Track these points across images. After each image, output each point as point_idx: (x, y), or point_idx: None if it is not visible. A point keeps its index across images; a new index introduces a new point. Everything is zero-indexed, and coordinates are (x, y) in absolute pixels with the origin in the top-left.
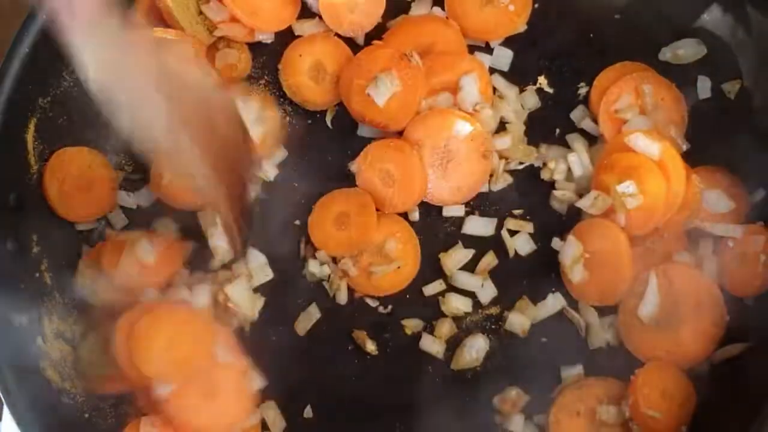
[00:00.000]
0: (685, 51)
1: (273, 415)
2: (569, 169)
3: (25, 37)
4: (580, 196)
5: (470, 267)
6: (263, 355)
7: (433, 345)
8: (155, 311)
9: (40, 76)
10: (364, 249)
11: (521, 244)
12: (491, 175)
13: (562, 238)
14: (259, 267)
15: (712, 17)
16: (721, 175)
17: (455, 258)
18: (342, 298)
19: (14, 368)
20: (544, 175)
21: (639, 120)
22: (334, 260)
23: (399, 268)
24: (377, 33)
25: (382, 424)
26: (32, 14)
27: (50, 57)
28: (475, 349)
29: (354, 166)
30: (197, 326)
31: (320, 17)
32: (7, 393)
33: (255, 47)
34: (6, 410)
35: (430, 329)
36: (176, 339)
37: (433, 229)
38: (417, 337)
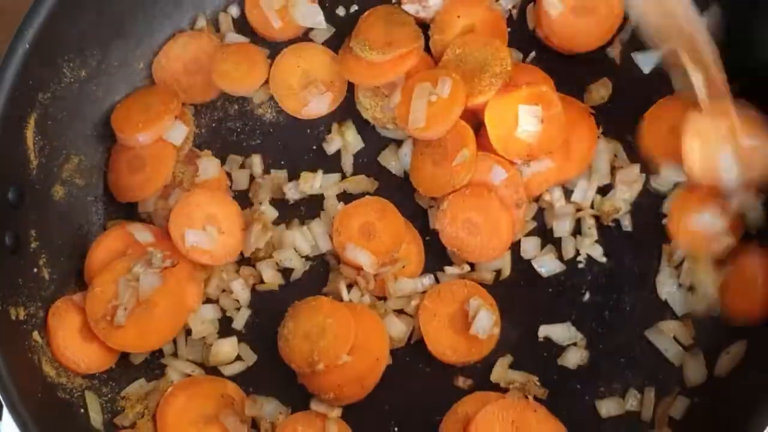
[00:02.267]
0: None
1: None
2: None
3: (25, 33)
4: None
5: None
6: (263, 353)
7: None
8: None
9: (41, 72)
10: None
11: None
12: None
13: None
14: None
15: (712, 18)
16: None
17: None
18: (343, 297)
19: (11, 363)
20: None
21: None
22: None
23: (404, 267)
24: None
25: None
26: (33, 11)
27: (50, 53)
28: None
29: (437, 224)
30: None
31: None
32: (5, 387)
33: None
34: (6, 410)
35: None
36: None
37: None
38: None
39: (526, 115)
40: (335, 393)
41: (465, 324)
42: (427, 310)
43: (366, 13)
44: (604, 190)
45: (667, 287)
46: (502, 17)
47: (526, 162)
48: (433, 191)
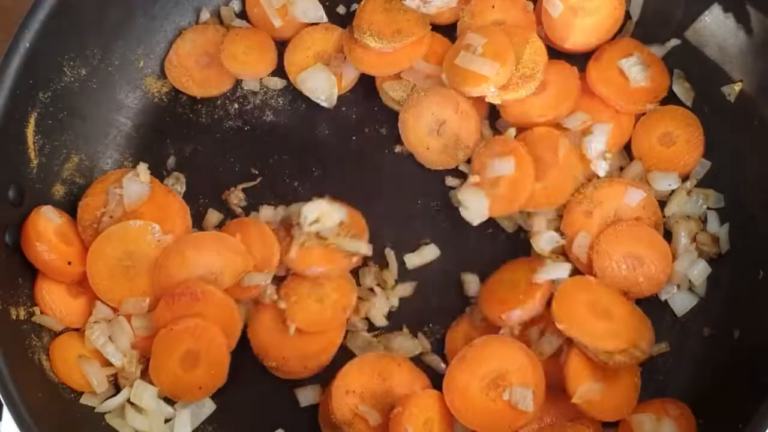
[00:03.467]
0: None
1: None
2: None
3: (25, 33)
4: None
5: None
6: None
7: None
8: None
9: (41, 71)
10: None
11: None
12: None
13: None
14: None
15: (713, 18)
16: None
17: None
18: None
19: (12, 362)
20: None
21: None
22: None
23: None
24: None
25: None
26: (33, 10)
27: (51, 52)
28: None
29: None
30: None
31: None
32: (5, 387)
33: None
34: (6, 410)
35: None
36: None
37: None
38: None
39: (632, 67)
40: (278, 363)
41: None
42: None
43: (362, 2)
44: None
45: (666, 288)
46: (534, 22)
47: (653, 102)
48: None
